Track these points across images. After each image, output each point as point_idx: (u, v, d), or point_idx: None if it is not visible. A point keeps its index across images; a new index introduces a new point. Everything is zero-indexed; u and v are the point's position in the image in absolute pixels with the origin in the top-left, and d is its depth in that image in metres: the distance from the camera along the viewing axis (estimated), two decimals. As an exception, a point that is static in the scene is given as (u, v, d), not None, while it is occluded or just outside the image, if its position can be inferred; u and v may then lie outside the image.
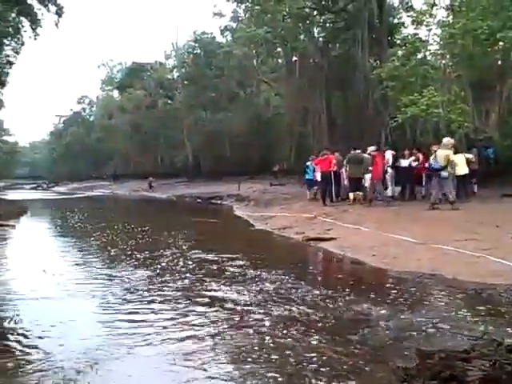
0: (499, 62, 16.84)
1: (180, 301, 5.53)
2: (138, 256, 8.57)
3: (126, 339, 4.27)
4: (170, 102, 54.42)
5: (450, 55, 17.56)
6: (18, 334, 4.50)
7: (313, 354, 3.86)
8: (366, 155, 14.27)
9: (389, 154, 14.99)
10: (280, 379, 3.46)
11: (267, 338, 4.26)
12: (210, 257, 8.37)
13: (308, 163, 17.36)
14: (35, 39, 26.60)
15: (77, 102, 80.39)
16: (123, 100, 59.16)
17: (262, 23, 24.58)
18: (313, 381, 3.40)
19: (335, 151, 16.13)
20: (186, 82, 47.51)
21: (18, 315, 5.09)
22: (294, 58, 29.95)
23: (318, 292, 5.85)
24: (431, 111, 15.24)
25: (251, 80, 41.49)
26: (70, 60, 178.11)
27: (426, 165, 13.30)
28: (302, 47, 26.90)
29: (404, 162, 14.47)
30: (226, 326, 4.59)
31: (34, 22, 26.05)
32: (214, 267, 7.53)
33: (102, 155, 67.41)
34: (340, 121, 27.12)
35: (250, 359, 3.81)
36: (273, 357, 3.85)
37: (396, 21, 25.87)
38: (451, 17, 17.37)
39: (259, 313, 5.01)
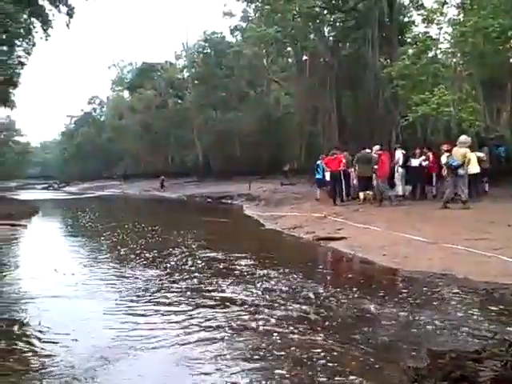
0: (510, 60, 16.63)
1: (189, 300, 5.55)
2: (148, 255, 8.63)
3: (136, 339, 4.28)
4: (180, 101, 54.59)
5: (460, 53, 17.43)
6: (28, 333, 4.54)
7: (322, 354, 3.86)
8: (374, 155, 14.20)
9: (399, 154, 14.92)
10: (287, 376, 3.47)
11: (275, 336, 4.26)
12: (219, 256, 8.41)
13: (318, 162, 17.32)
14: (46, 40, 26.82)
15: (87, 102, 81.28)
16: (133, 100, 59.45)
17: (272, 23, 24.57)
18: (323, 379, 3.40)
19: (344, 150, 16.10)
20: (196, 82, 47.50)
21: (28, 314, 5.14)
22: (304, 58, 29.92)
23: (327, 291, 5.84)
24: (442, 110, 15.10)
25: (261, 79, 41.40)
26: (81, 61, 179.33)
27: (443, 161, 12.90)
28: (312, 46, 26.83)
29: (415, 162, 14.38)
30: (235, 325, 4.60)
31: (46, 23, 26.25)
32: (223, 266, 7.56)
33: (112, 155, 67.77)
34: (350, 120, 27.02)
35: (257, 356, 3.84)
36: (281, 353, 3.86)
37: (406, 19, 25.63)
38: (462, 15, 17.28)
39: (267, 312, 5.00)
